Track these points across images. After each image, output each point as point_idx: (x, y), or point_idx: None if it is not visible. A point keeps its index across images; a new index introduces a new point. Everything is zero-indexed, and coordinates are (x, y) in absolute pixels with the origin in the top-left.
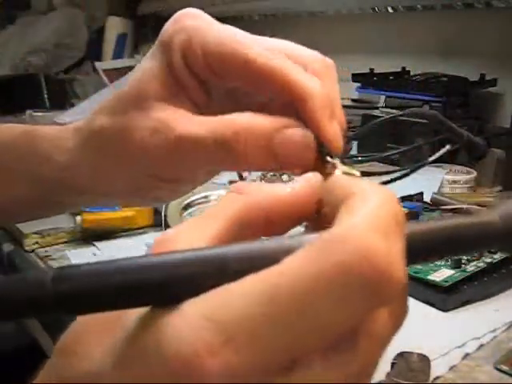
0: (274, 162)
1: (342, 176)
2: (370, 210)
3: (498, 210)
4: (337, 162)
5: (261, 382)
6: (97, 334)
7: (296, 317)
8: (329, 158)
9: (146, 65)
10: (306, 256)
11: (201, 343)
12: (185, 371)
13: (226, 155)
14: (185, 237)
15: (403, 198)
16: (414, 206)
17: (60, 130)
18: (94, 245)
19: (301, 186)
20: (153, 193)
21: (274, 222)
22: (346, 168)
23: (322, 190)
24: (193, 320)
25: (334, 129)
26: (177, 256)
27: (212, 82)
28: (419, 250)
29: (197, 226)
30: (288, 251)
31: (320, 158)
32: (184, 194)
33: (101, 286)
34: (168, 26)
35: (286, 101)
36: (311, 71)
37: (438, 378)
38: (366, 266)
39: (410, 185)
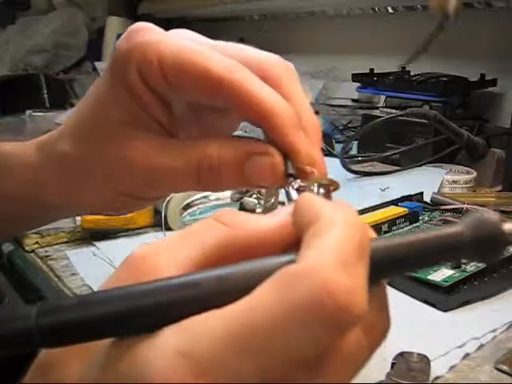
0: (245, 184)
1: (310, 197)
2: (333, 243)
3: (465, 222)
4: (295, 180)
5: None
6: (75, 355)
7: (263, 351)
8: (290, 171)
9: (102, 89)
10: (272, 291)
11: (176, 378)
12: None
13: (198, 181)
14: (163, 258)
15: (403, 198)
16: (414, 205)
17: (24, 146)
18: (93, 245)
19: (284, 220)
20: (122, 205)
21: (253, 256)
22: (321, 180)
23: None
24: (168, 355)
25: (305, 145)
26: (151, 286)
27: (172, 97)
28: (387, 265)
29: (175, 247)
30: (259, 279)
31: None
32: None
33: (82, 319)
34: (120, 44)
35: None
36: (271, 76)
37: (438, 377)
38: (327, 301)
39: (410, 185)
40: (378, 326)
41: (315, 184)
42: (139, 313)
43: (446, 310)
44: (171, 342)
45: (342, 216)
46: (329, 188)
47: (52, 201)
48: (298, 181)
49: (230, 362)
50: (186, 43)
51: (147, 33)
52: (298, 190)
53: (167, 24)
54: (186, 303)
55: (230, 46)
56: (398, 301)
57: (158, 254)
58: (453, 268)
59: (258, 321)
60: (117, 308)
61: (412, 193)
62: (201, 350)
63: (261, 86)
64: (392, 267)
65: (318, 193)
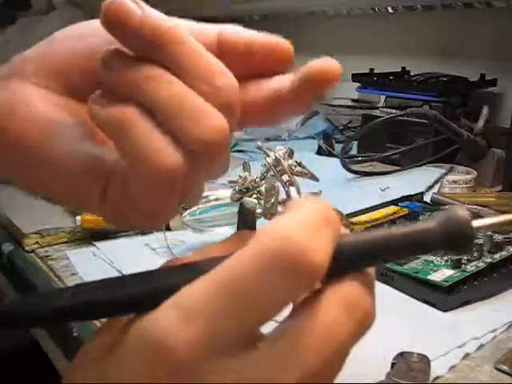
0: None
1: (296, 198)
2: (300, 211)
3: (437, 217)
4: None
5: (216, 353)
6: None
7: (239, 297)
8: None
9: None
10: (244, 249)
11: (168, 324)
12: (156, 347)
13: None
14: None
15: (403, 198)
16: (414, 205)
17: None
18: (94, 245)
19: None
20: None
21: None
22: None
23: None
24: (165, 308)
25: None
26: (162, 272)
27: None
28: (367, 254)
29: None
30: None
31: None
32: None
33: (110, 297)
34: None
35: None
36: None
37: (438, 377)
38: (290, 248)
39: (410, 185)
40: (362, 306)
41: None
42: (152, 294)
43: (446, 310)
44: (168, 302)
45: (313, 201)
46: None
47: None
48: None
49: (211, 308)
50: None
51: None
52: None
53: None
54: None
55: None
56: (398, 301)
57: None
58: (453, 268)
59: (231, 271)
60: (133, 291)
61: (412, 193)
62: (189, 300)
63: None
64: (371, 256)
65: None
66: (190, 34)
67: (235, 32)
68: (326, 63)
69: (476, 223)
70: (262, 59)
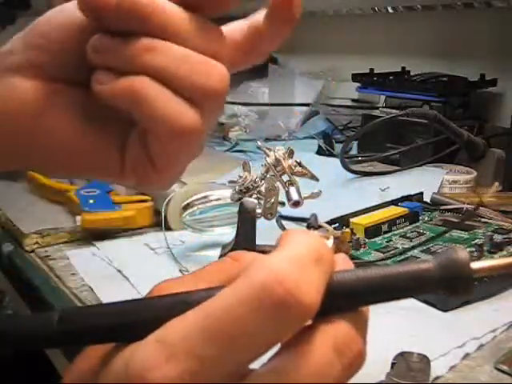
0: None
1: (289, 230)
2: (291, 247)
3: (436, 259)
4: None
5: None
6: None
7: (223, 338)
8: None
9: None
10: (231, 287)
11: (150, 359)
12: (136, 379)
13: None
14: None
15: (403, 198)
16: (414, 205)
17: None
18: (93, 245)
19: None
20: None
21: None
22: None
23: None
24: (149, 343)
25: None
26: (150, 303)
27: None
28: (362, 293)
29: (187, 286)
30: None
31: None
32: None
33: (98, 325)
34: None
35: None
36: None
37: (438, 377)
38: (277, 287)
39: (410, 185)
40: (353, 347)
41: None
42: (136, 324)
43: (446, 310)
44: (153, 336)
45: (306, 237)
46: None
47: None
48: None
49: (195, 347)
50: None
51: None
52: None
53: None
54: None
55: None
56: (398, 301)
57: (178, 287)
58: None
59: (217, 311)
60: (120, 320)
61: (412, 193)
62: (173, 337)
63: None
64: (365, 296)
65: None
66: None
67: None
68: None
69: (475, 265)
70: None
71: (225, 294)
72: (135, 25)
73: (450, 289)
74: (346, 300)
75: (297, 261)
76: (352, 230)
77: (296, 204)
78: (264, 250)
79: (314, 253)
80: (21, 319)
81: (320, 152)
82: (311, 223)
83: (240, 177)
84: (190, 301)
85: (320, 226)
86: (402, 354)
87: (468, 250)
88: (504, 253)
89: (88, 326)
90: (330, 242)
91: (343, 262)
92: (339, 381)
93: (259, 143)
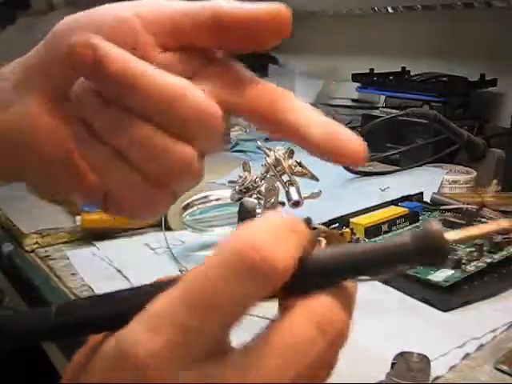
0: None
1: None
2: (267, 220)
3: (412, 233)
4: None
5: (183, 364)
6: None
7: (200, 305)
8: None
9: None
10: (206, 258)
11: (135, 334)
12: (124, 357)
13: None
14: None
15: (403, 198)
16: (414, 205)
17: None
18: (93, 245)
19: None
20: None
21: None
22: None
23: None
24: (133, 322)
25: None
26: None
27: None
28: (343, 268)
29: None
30: None
31: None
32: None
33: (95, 315)
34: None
35: None
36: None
37: (437, 377)
38: (252, 254)
39: (410, 185)
40: (335, 324)
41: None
42: (132, 311)
43: (446, 310)
44: (138, 316)
45: (281, 213)
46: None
47: None
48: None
49: (178, 318)
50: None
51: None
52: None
53: None
54: None
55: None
56: (398, 301)
57: None
58: (453, 268)
59: (193, 282)
60: (117, 309)
61: (412, 193)
62: (156, 311)
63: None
64: (347, 270)
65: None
66: (185, 16)
67: (229, 10)
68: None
69: (449, 235)
70: (257, 34)
71: (203, 265)
72: (112, 92)
73: (425, 259)
74: (323, 276)
75: (271, 229)
76: (352, 229)
77: (296, 204)
78: None
79: (288, 224)
80: (18, 314)
81: None
82: None
83: (240, 177)
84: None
85: (314, 228)
86: (401, 354)
87: (468, 249)
88: (504, 253)
89: (85, 317)
90: (323, 242)
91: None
92: (322, 357)
93: (259, 143)
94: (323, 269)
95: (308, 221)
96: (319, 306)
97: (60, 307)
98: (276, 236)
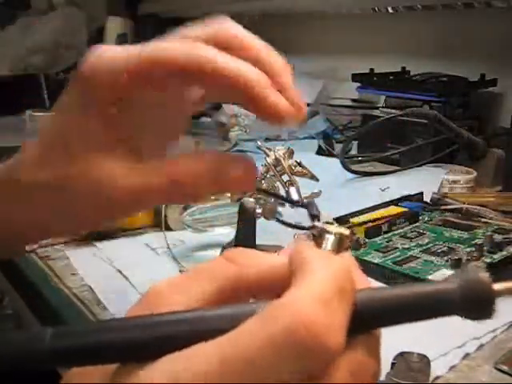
0: (219, 191)
1: (303, 246)
2: (315, 283)
3: (458, 279)
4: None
5: None
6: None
7: (243, 375)
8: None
9: (66, 111)
10: (256, 321)
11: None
12: None
13: (169, 197)
14: (177, 294)
15: (403, 198)
16: (414, 205)
17: None
18: (93, 245)
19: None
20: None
21: (257, 294)
22: (334, 228)
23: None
24: (162, 375)
25: (282, 101)
26: (157, 319)
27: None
28: (377, 316)
29: (189, 284)
30: (250, 315)
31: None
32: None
33: (91, 343)
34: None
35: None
36: (232, 41)
37: (438, 377)
38: (303, 331)
39: (410, 185)
40: (370, 371)
41: (333, 231)
42: (138, 344)
43: None
44: (167, 365)
45: (328, 263)
46: (342, 237)
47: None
48: (320, 224)
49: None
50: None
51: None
52: (317, 234)
53: (167, 23)
54: (181, 337)
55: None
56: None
57: (173, 290)
58: (453, 268)
59: (240, 348)
60: (121, 338)
61: (412, 193)
62: (185, 374)
63: (226, 58)
64: (382, 319)
65: (334, 238)
66: None
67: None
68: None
69: (497, 286)
70: None
71: (244, 330)
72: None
73: (471, 311)
74: (363, 322)
75: (323, 300)
76: (352, 230)
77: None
78: (264, 250)
79: (337, 285)
80: (10, 339)
81: (320, 152)
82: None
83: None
84: (201, 320)
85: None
86: (401, 354)
87: (468, 249)
88: (504, 253)
89: (85, 344)
90: (347, 231)
91: (355, 272)
92: None
93: (259, 143)
94: (364, 316)
95: (316, 217)
96: (357, 354)
97: (55, 331)
98: (326, 307)
